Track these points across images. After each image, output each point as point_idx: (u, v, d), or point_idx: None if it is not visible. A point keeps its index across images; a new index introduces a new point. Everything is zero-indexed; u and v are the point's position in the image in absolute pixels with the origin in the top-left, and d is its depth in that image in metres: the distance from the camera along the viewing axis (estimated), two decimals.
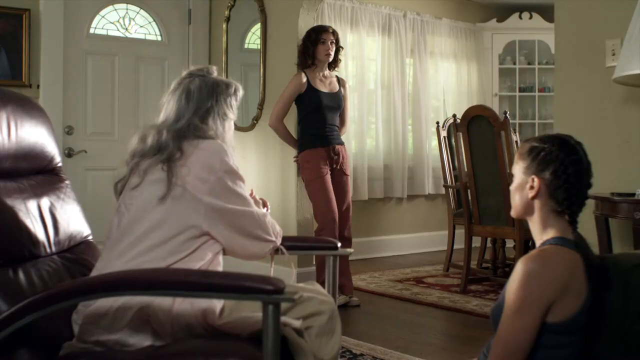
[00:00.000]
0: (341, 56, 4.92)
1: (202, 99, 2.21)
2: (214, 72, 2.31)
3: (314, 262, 5.07)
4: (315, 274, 4.75)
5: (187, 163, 2.04)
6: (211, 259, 2.06)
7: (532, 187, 1.98)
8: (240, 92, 2.32)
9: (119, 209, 2.11)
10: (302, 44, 4.82)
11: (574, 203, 1.97)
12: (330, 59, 4.79)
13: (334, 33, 4.80)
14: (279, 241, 2.27)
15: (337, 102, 4.81)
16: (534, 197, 1.98)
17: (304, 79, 4.75)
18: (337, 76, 4.94)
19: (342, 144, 4.85)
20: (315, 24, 5.37)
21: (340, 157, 4.79)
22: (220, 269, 2.11)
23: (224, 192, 2.06)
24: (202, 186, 2.03)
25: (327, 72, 4.85)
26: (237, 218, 2.09)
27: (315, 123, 4.76)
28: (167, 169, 2.04)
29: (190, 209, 2.01)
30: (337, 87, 4.86)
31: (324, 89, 4.78)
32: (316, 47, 4.74)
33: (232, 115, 2.26)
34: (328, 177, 4.72)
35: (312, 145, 4.74)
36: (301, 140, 4.84)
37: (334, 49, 4.79)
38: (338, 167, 4.78)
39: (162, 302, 1.91)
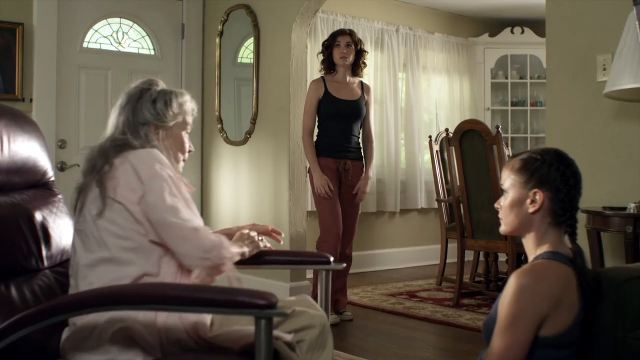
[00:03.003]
0: (366, 60, 4.77)
1: (120, 108, 2.22)
2: (158, 84, 2.27)
3: (307, 277, 5.07)
4: (308, 288, 4.75)
5: (117, 174, 2.02)
6: (176, 268, 2.03)
7: (532, 202, 1.97)
8: (180, 98, 2.25)
9: (73, 235, 2.11)
10: (321, 49, 4.77)
11: (574, 215, 1.98)
12: (348, 62, 4.66)
13: (352, 35, 4.67)
14: (213, 259, 2.03)
15: (356, 110, 4.65)
16: (535, 212, 1.98)
17: (321, 85, 4.66)
18: (361, 81, 4.81)
19: (358, 159, 4.71)
20: (308, 39, 5.39)
21: (350, 174, 4.65)
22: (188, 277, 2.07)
23: (153, 200, 2.00)
24: (132, 195, 1.99)
25: (349, 78, 4.72)
26: (165, 229, 2.00)
27: (330, 131, 4.65)
28: (99, 185, 2.02)
29: (130, 220, 1.99)
30: (358, 94, 4.70)
31: (342, 96, 4.64)
32: (332, 50, 4.66)
33: (153, 118, 2.18)
34: (335, 193, 4.59)
35: (323, 154, 4.63)
36: (316, 145, 4.70)
37: (353, 52, 4.65)
38: (348, 183, 4.65)
39: (145, 317, 1.89)
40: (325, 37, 5.22)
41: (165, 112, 2.20)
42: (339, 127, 4.63)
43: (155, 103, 2.20)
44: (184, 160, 2.29)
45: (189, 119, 2.28)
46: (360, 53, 4.69)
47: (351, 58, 4.65)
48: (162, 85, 2.27)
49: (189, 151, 2.31)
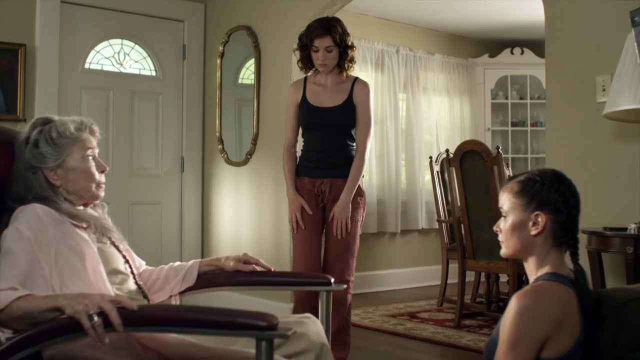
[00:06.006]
0: (354, 53, 3.81)
1: (16, 164, 2.17)
2: (50, 119, 2.21)
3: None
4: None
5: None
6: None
7: (534, 224, 1.97)
8: (61, 127, 2.17)
9: None
10: (298, 44, 3.90)
11: (575, 235, 1.98)
12: (329, 69, 3.79)
13: (333, 34, 3.70)
14: None
15: (340, 118, 3.78)
16: (538, 234, 1.98)
17: (299, 88, 3.89)
18: (357, 78, 3.87)
19: (343, 176, 3.76)
20: None
21: (326, 196, 3.80)
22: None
23: None
24: None
25: (337, 77, 3.83)
26: None
27: (310, 146, 3.87)
28: None
29: None
30: (343, 98, 3.78)
31: (321, 102, 3.81)
32: (309, 53, 3.80)
33: (42, 162, 2.13)
34: (312, 219, 3.79)
35: (300, 173, 3.86)
36: (298, 162, 3.96)
37: (336, 54, 3.74)
38: (329, 207, 3.80)
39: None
40: None
41: (51, 150, 2.14)
42: (319, 139, 3.82)
43: (38, 147, 2.14)
44: (99, 186, 2.24)
45: (86, 142, 2.21)
46: (345, 52, 3.77)
47: (334, 62, 3.78)
48: (50, 121, 2.20)
49: (102, 171, 2.25)
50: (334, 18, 3.83)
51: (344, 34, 3.76)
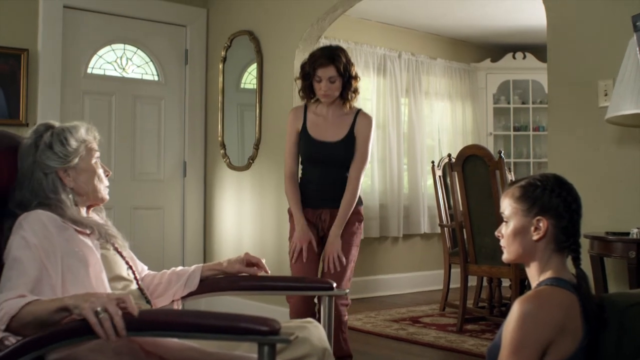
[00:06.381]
0: (357, 84, 3.66)
1: (21, 168, 2.19)
2: (47, 130, 2.24)
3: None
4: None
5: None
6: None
7: (536, 229, 1.97)
8: (74, 130, 2.23)
9: None
10: (300, 73, 3.74)
11: (577, 240, 1.98)
12: (332, 99, 3.64)
13: (336, 64, 3.55)
14: None
15: (342, 154, 3.65)
16: (539, 239, 1.97)
17: (300, 116, 3.74)
18: (359, 110, 3.72)
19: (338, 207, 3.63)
20: None
21: (327, 223, 3.67)
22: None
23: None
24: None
25: (339, 108, 3.69)
26: None
27: (308, 177, 3.75)
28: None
29: None
30: (344, 133, 3.64)
31: (320, 135, 3.67)
32: (311, 82, 3.65)
33: (57, 163, 2.17)
34: (309, 249, 3.61)
35: (302, 204, 3.71)
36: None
37: (340, 84, 3.59)
38: (328, 234, 3.65)
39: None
40: None
41: (66, 151, 2.18)
42: (317, 172, 3.71)
43: (53, 148, 2.18)
44: (106, 188, 2.29)
45: (93, 145, 2.27)
46: (349, 82, 3.63)
47: (336, 93, 3.63)
48: (53, 126, 2.25)
49: (107, 175, 2.30)
50: (338, 47, 3.70)
51: (348, 64, 3.62)
